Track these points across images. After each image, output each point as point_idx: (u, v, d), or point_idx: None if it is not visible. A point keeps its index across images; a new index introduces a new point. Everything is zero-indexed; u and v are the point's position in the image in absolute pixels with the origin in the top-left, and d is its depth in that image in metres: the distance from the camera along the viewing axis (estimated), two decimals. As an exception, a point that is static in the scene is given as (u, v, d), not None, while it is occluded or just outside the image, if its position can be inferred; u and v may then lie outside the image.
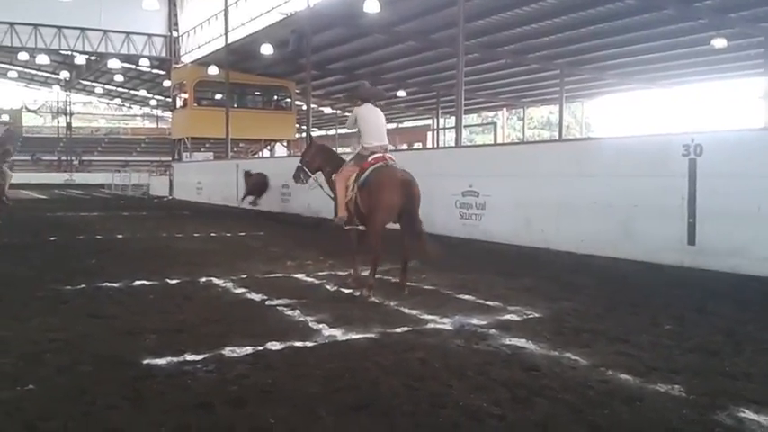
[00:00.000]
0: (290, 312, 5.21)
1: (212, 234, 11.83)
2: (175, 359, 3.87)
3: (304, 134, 30.28)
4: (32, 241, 10.39)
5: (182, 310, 5.28)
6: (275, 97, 34.93)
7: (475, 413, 3.08)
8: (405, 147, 35.57)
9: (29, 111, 64.59)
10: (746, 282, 6.34)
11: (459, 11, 13.83)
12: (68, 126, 55.06)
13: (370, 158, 6.20)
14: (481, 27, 20.43)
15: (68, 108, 56.22)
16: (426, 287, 6.29)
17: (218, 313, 5.16)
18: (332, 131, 52.35)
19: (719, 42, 19.86)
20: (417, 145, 41.56)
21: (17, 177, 32.23)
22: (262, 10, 27.07)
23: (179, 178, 27.11)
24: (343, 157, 7.43)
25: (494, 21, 20.24)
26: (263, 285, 6.38)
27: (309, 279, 6.89)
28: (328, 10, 20.50)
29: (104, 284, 6.39)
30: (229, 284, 6.48)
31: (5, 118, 61.27)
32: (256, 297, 5.84)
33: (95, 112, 68.80)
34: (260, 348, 4.11)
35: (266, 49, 24.45)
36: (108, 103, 65.83)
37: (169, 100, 38.90)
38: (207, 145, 36.59)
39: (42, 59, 37.28)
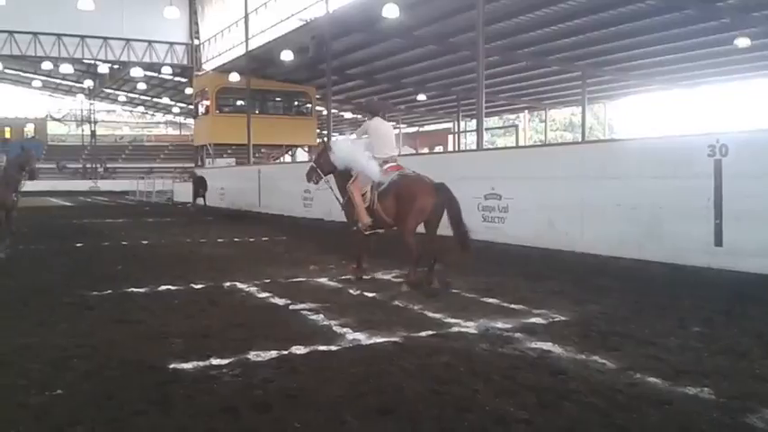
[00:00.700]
0: (313, 316, 5.22)
1: (236, 239, 11.91)
2: (201, 364, 3.89)
3: (325, 138, 30.39)
4: (59, 248, 10.52)
5: (207, 315, 5.32)
6: (296, 103, 35.15)
7: (501, 418, 3.05)
8: (426, 150, 35.48)
9: (53, 119, 65.52)
10: (775, 283, 6.21)
11: (478, 14, 13.78)
12: (93, 134, 55.72)
13: (385, 167, 6.61)
14: (501, 30, 20.35)
15: (92, 116, 56.88)
16: (450, 290, 6.27)
17: (243, 318, 5.18)
18: (352, 136, 52.35)
19: (743, 42, 19.64)
20: (438, 148, 41.51)
21: (43, 185, 33.06)
22: (281, 17, 27.22)
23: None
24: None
25: (514, 23, 20.17)
26: (286, 290, 6.40)
27: (332, 283, 6.90)
28: (347, 15, 20.56)
29: (130, 290, 6.46)
30: (253, 289, 6.51)
31: (30, 127, 62.25)
32: (280, 301, 5.86)
33: (119, 120, 69.53)
34: (284, 353, 4.11)
35: (286, 56, 24.59)
36: (131, 111, 66.64)
37: (191, 107, 39.29)
38: (229, 151, 36.93)
39: (66, 69, 37.95)
